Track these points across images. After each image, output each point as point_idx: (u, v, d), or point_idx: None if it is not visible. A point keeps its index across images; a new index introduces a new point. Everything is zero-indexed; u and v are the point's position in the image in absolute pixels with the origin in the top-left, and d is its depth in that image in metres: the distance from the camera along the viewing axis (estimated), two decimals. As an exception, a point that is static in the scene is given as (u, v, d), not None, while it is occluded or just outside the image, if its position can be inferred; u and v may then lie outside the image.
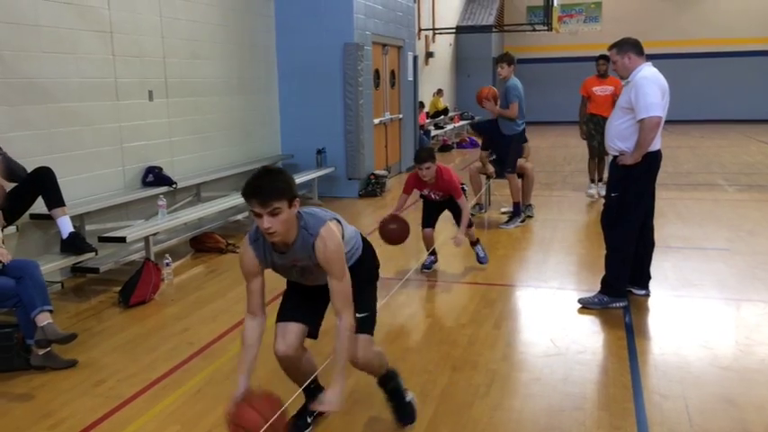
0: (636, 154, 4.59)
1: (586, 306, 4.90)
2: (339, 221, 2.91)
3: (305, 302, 3.09)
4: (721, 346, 4.18)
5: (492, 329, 4.58)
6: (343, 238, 2.88)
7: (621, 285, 4.89)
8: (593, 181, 9.34)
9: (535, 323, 4.74)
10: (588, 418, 3.31)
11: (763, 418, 3.30)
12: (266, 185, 2.54)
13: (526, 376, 3.83)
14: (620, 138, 4.69)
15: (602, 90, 8.86)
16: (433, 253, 5.95)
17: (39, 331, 3.92)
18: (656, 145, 4.66)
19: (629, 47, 4.69)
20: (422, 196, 5.85)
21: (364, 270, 3.09)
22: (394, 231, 5.52)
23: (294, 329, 3.01)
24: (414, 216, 6.09)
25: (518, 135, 7.58)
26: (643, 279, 5.10)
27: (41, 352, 3.97)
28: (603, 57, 8.67)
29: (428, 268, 5.93)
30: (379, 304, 4.37)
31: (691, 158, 13.10)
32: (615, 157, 4.79)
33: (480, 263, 6.01)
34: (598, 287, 4.96)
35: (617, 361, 4.02)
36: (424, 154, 5.46)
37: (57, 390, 3.77)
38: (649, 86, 4.52)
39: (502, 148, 7.68)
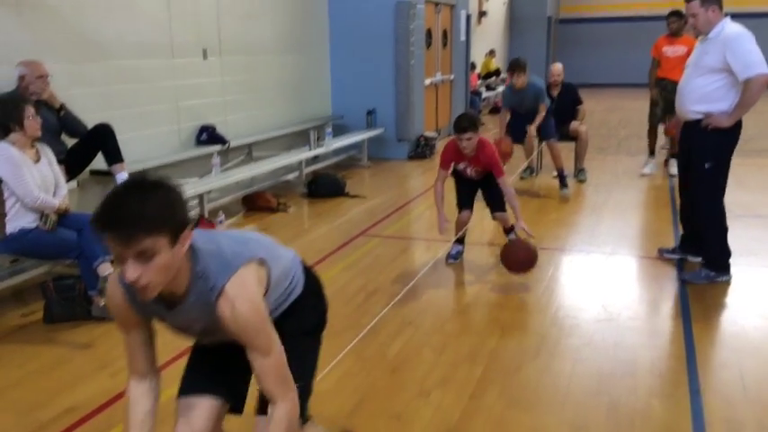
0: (737, 114, 4.25)
1: (691, 282, 4.58)
2: (263, 261, 1.88)
3: (219, 361, 2.09)
4: (781, 317, 4.06)
5: (542, 294, 4.54)
6: (268, 284, 1.91)
7: (726, 258, 4.60)
8: (652, 153, 8.49)
9: (586, 288, 4.68)
10: (640, 385, 3.27)
11: (824, 390, 3.20)
12: (130, 210, 1.55)
13: (576, 341, 3.80)
14: (705, 101, 4.32)
15: (672, 51, 7.85)
16: (461, 241, 5.25)
17: (102, 280, 4.06)
18: None
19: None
20: (455, 173, 5.08)
21: (303, 315, 2.13)
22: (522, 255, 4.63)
23: (203, 408, 2.02)
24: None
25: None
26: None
27: (102, 302, 4.12)
28: (675, 13, 7.87)
29: (455, 258, 5.19)
30: (426, 268, 4.37)
31: (756, 123, 12.55)
32: (697, 122, 4.38)
33: None
34: (652, 253, 4.86)
35: (671, 328, 3.95)
36: (464, 123, 4.67)
37: (116, 340, 3.88)
38: (749, 42, 4.16)
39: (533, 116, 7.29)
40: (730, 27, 4.26)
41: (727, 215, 4.62)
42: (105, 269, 4.05)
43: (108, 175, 5.16)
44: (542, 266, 5.08)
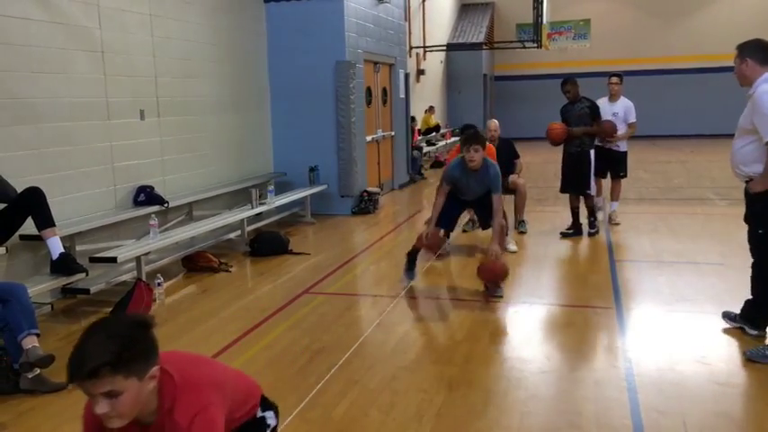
0: (764, 180, 3.92)
1: (753, 359, 4.06)
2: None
3: None
4: (718, 362, 4.16)
5: (487, 346, 4.54)
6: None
7: None
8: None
9: (530, 340, 4.71)
10: (586, 437, 3.28)
11: (762, 433, 3.27)
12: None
13: (522, 394, 3.79)
14: (743, 162, 4.10)
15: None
16: None
17: (23, 354, 3.87)
18: None
19: (749, 51, 3.97)
20: None
21: None
22: None
23: None
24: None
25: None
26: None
27: (30, 375, 3.91)
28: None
29: None
30: (372, 325, 4.34)
31: (681, 173, 13.15)
32: (747, 182, 4.13)
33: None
34: (591, 303, 4.93)
35: (613, 377, 3.99)
36: (87, 361, 1.73)
37: (45, 414, 3.70)
38: None
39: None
40: (763, 84, 3.91)
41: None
42: (29, 342, 3.86)
43: (38, 239, 4.98)
44: (487, 319, 5.10)
